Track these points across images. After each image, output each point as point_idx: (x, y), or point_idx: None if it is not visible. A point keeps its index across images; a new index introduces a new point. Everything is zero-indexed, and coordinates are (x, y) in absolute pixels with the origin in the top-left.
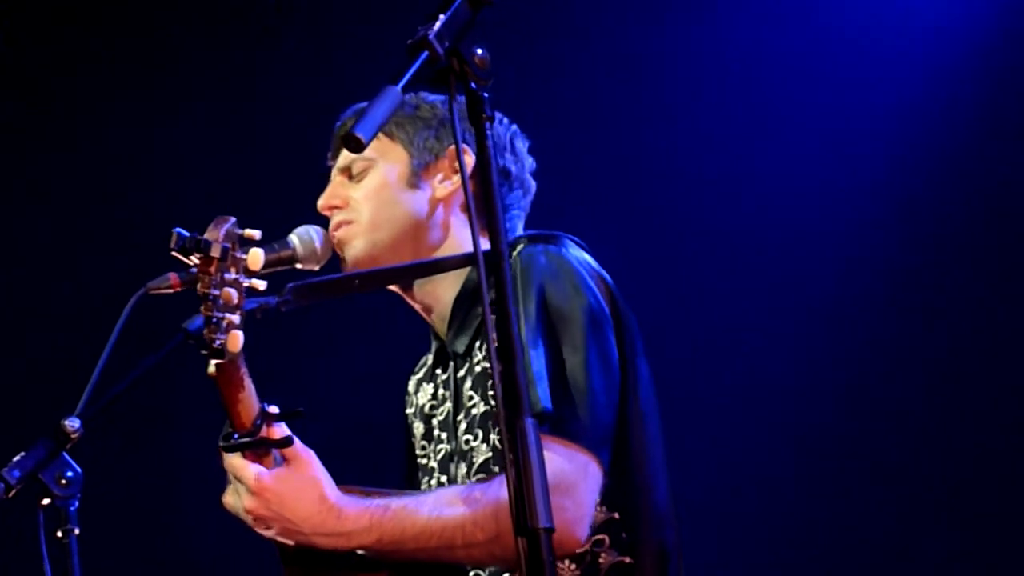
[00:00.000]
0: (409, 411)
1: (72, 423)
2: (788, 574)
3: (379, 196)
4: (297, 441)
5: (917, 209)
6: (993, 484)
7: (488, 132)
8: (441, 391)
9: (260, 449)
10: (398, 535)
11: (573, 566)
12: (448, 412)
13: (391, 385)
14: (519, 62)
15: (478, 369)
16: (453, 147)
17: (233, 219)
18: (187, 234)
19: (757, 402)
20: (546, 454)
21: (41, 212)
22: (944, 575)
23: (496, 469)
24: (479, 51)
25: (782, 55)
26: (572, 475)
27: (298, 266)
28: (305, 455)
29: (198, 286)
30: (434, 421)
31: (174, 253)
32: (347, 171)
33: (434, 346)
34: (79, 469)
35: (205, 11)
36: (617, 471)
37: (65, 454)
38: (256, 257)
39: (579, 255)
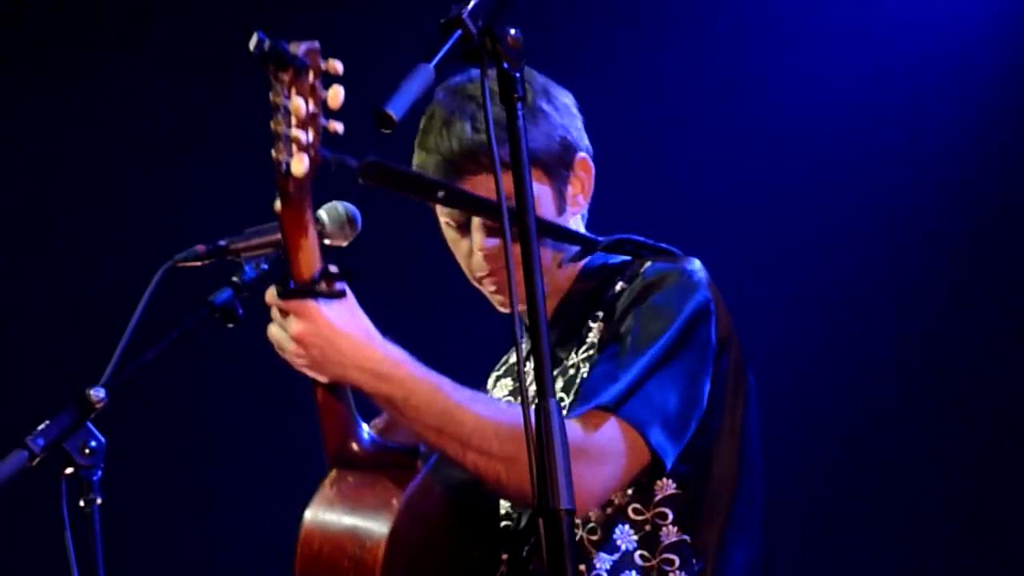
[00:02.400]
0: None
1: (97, 393)
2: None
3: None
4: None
5: (933, 209)
6: (1003, 486)
7: (519, 113)
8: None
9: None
10: (424, 403)
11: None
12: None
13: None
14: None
15: (571, 372)
16: (582, 155)
17: (318, 43)
18: (266, 38)
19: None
20: (584, 423)
21: (75, 185)
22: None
23: None
24: (512, 31)
25: (796, 52)
26: (604, 446)
27: (326, 241)
28: (353, 300)
29: (270, 95)
30: None
31: (253, 54)
32: (488, 224)
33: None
34: (103, 439)
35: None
36: (699, 497)
37: (89, 423)
38: (336, 93)
39: (706, 277)
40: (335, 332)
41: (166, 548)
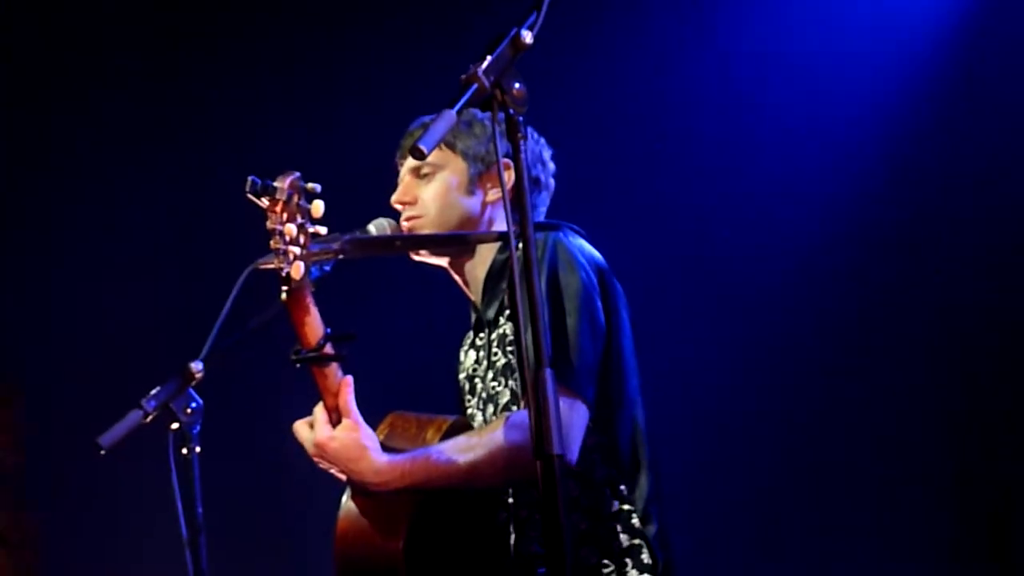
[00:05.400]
0: (461, 376)
1: (196, 365)
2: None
3: (443, 199)
4: (352, 403)
5: (885, 206)
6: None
7: (522, 148)
8: (481, 353)
9: (322, 364)
10: (424, 480)
11: (574, 482)
12: (484, 368)
13: (438, 341)
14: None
15: (501, 331)
16: (503, 161)
17: (298, 173)
18: (259, 180)
19: (733, 388)
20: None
21: (179, 206)
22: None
23: (514, 408)
24: (517, 84)
25: (754, 56)
26: (563, 412)
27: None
28: (355, 418)
29: (267, 223)
30: (476, 379)
31: (248, 196)
32: (416, 171)
33: (473, 317)
34: (201, 401)
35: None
36: (605, 405)
37: (191, 389)
38: (318, 206)
39: (574, 240)
40: (337, 462)
41: (251, 485)
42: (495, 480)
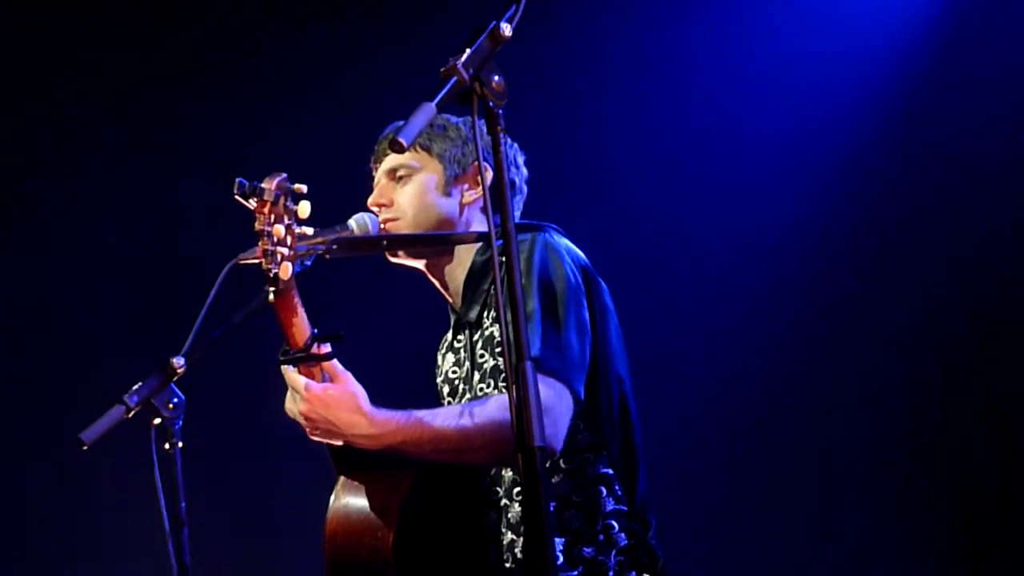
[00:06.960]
0: (439, 379)
1: (178, 360)
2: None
3: (419, 201)
4: (338, 364)
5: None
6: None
7: (503, 141)
8: (461, 355)
9: (310, 363)
10: (416, 438)
11: (565, 479)
12: (468, 370)
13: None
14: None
15: (487, 333)
16: (476, 163)
17: (284, 175)
18: (246, 182)
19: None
20: (544, 385)
21: (160, 207)
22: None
23: None
24: (496, 77)
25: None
26: (550, 400)
27: None
28: (344, 374)
29: (255, 224)
30: (457, 381)
31: (236, 197)
32: (393, 174)
33: (452, 319)
34: (183, 396)
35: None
36: (594, 404)
37: (172, 385)
38: (304, 208)
39: (559, 240)
40: (328, 411)
41: (233, 480)
42: (483, 454)
